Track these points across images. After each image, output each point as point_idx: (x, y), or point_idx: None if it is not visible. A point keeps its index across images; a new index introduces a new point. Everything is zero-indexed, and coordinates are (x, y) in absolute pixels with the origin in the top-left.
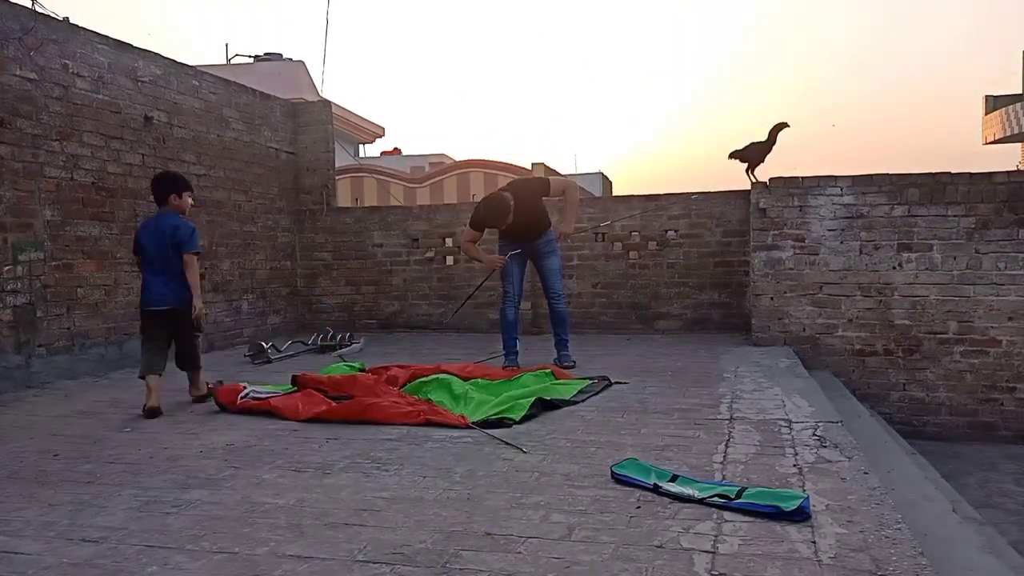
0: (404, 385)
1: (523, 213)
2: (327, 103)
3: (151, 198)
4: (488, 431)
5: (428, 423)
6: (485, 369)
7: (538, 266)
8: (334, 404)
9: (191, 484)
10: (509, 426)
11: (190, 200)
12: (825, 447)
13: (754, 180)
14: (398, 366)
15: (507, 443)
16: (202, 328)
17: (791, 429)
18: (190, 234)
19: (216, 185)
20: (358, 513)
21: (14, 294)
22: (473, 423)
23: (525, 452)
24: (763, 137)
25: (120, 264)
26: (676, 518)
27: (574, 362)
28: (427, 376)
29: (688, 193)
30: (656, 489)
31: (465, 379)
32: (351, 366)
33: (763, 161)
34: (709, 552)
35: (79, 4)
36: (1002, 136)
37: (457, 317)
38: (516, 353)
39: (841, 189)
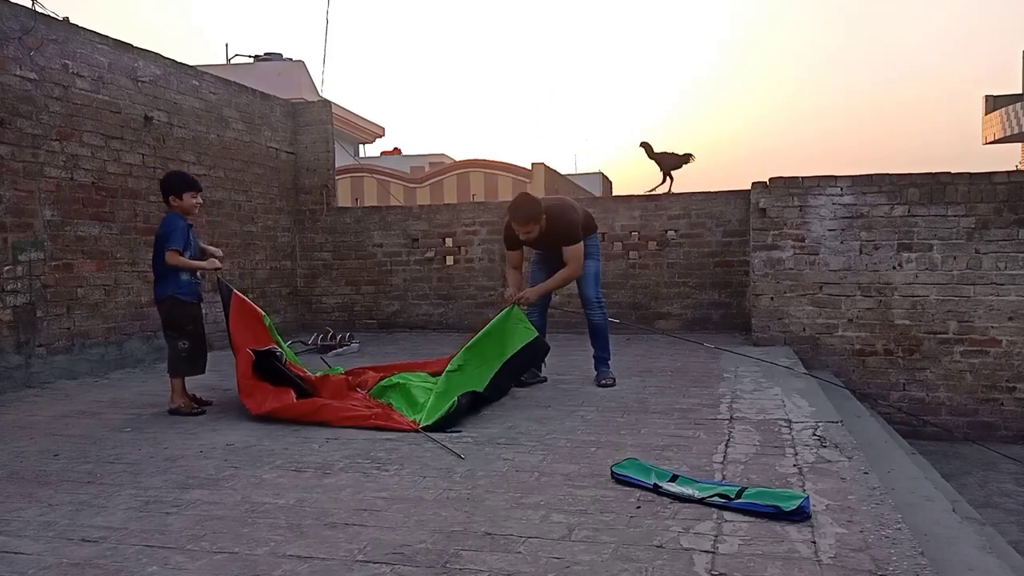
0: (372, 388)
1: (547, 242)
2: (327, 103)
3: (152, 198)
4: (432, 435)
5: (377, 427)
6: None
7: None
8: (293, 401)
9: (191, 484)
10: (459, 431)
11: (193, 200)
12: (825, 447)
13: (668, 187)
14: (372, 368)
15: (448, 448)
16: (184, 331)
17: (791, 429)
18: (164, 232)
19: (216, 185)
20: (358, 513)
21: (14, 294)
22: (423, 427)
23: (463, 458)
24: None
25: (120, 264)
26: (676, 518)
27: (614, 379)
28: (392, 376)
29: (688, 193)
30: (656, 489)
31: (435, 374)
32: (332, 369)
33: (669, 172)
34: (709, 552)
35: (79, 4)
36: (1002, 136)
37: (458, 316)
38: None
39: (841, 189)
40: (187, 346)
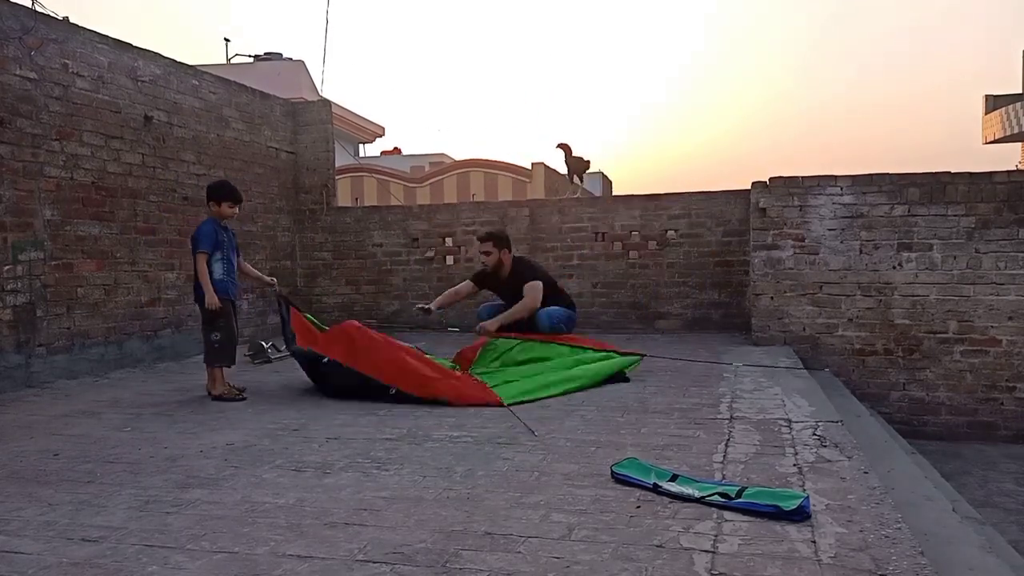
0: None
1: (510, 288)
2: (327, 103)
3: (152, 197)
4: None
5: (469, 404)
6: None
7: None
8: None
9: (191, 484)
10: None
11: (228, 208)
12: (825, 447)
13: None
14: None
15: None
16: (216, 325)
17: (791, 429)
18: (195, 236)
19: None
20: (358, 513)
21: (14, 294)
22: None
23: (536, 434)
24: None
25: (120, 264)
26: (676, 518)
27: None
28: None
29: (688, 192)
30: (656, 489)
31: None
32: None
33: (579, 175)
34: (709, 552)
35: (79, 4)
36: (1002, 136)
37: (458, 316)
38: None
39: (841, 189)
40: (219, 338)
